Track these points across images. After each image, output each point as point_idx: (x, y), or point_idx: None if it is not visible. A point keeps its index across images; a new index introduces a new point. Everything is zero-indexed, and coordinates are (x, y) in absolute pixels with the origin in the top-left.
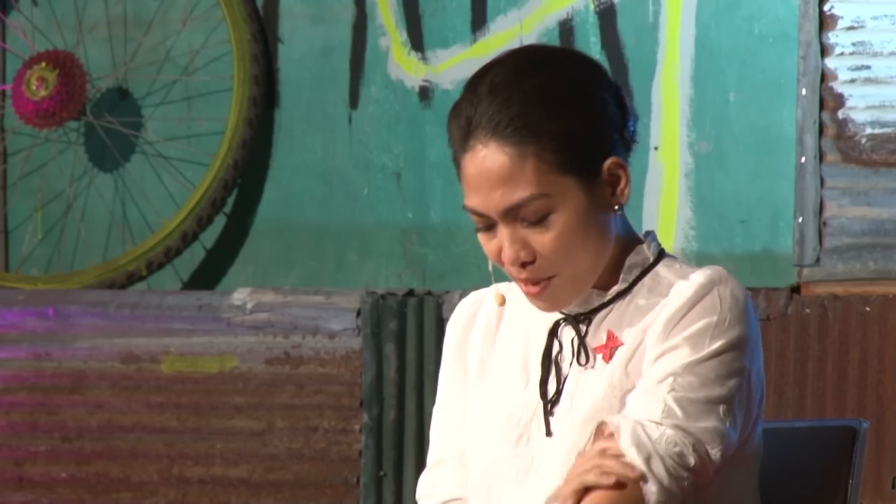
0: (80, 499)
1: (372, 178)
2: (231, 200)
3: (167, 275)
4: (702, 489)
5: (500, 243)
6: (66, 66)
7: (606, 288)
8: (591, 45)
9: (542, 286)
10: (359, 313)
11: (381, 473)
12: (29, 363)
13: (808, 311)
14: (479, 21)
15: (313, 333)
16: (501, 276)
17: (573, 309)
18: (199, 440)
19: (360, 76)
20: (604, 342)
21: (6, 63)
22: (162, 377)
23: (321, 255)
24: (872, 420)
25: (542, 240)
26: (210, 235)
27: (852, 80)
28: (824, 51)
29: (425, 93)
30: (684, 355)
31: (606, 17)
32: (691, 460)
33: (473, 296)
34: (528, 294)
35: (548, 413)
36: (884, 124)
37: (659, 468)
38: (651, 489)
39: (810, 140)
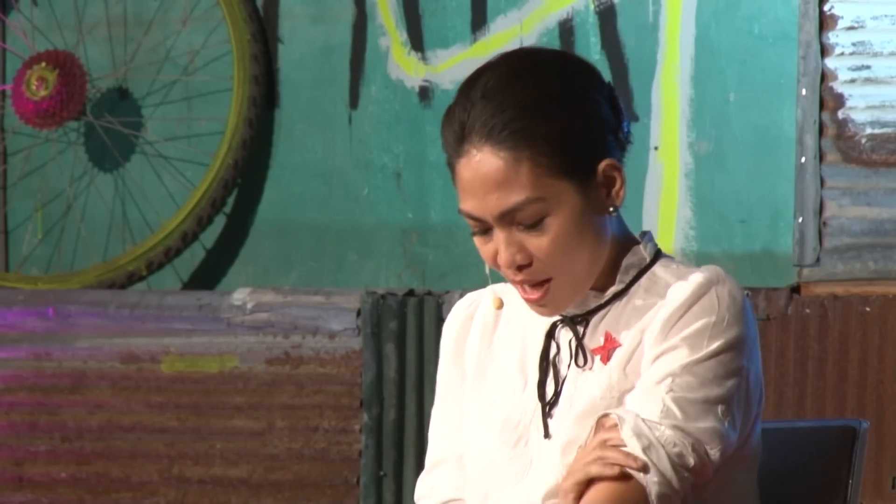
0: (80, 499)
1: (372, 178)
2: (231, 200)
3: (167, 275)
4: (701, 489)
5: (495, 247)
6: (66, 66)
7: (603, 289)
8: (591, 45)
9: (540, 292)
10: (359, 313)
11: (381, 473)
12: (29, 363)
13: (808, 311)
14: (479, 21)
15: (313, 333)
16: (499, 278)
17: (570, 311)
18: (199, 440)
19: (360, 76)
20: (601, 343)
21: (6, 63)
22: (162, 377)
23: (321, 255)
24: (872, 420)
25: (538, 243)
26: (210, 235)
27: (852, 80)
28: (824, 51)
29: (425, 93)
30: (682, 356)
31: (606, 17)
32: (691, 460)
33: (470, 297)
34: (527, 300)
35: (546, 415)
36: (884, 124)
37: (661, 459)
38: (652, 479)
39: (810, 140)
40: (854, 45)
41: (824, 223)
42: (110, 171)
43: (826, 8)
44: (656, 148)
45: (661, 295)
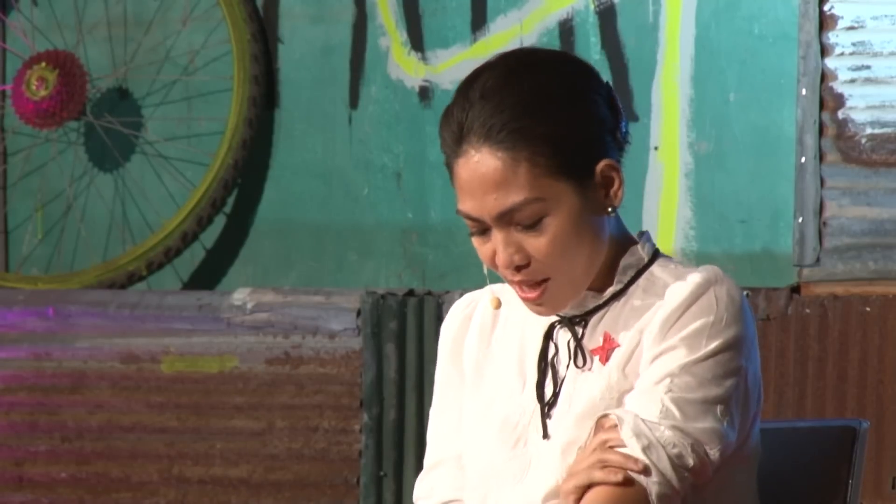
0: (80, 499)
1: (372, 178)
2: (231, 200)
3: (167, 275)
4: (701, 489)
5: (494, 247)
6: (66, 66)
7: (601, 290)
8: (591, 45)
9: (538, 292)
10: (359, 313)
11: (381, 473)
12: (29, 363)
13: (808, 311)
14: (479, 21)
15: (313, 333)
16: (497, 278)
17: (568, 311)
18: (199, 440)
19: (360, 76)
20: (600, 344)
21: (6, 63)
22: (162, 377)
23: (321, 255)
24: (872, 420)
25: (536, 243)
26: (210, 235)
27: (852, 80)
28: (824, 51)
29: (425, 93)
30: (681, 356)
31: (606, 17)
32: (690, 461)
33: (468, 297)
34: (524, 299)
35: (545, 416)
36: (884, 124)
37: (661, 459)
38: (653, 480)
39: (810, 140)
40: (854, 45)
41: (824, 223)
42: (110, 171)
43: (826, 8)
44: (656, 148)
45: (660, 295)
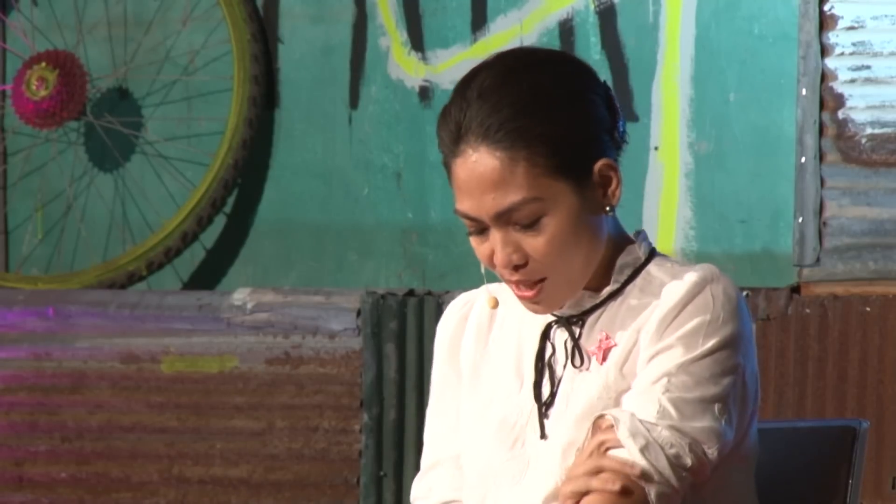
0: (80, 499)
1: (372, 178)
2: (231, 200)
3: (167, 275)
4: (699, 488)
5: (491, 247)
6: (66, 66)
7: (598, 289)
8: (591, 45)
9: (535, 290)
10: (359, 313)
11: (381, 473)
12: (29, 363)
13: (808, 311)
14: (479, 21)
15: (313, 333)
16: (494, 278)
17: (565, 311)
18: (199, 440)
19: (360, 76)
20: (597, 343)
21: (6, 63)
22: (162, 377)
23: (321, 255)
24: (872, 420)
25: (534, 243)
26: (210, 235)
27: (852, 80)
28: (824, 51)
29: (425, 93)
30: (678, 355)
31: (606, 17)
32: (688, 461)
33: (464, 297)
34: (521, 298)
35: (542, 416)
36: (884, 124)
37: (658, 459)
38: (652, 483)
39: (810, 140)
40: (854, 45)
41: (824, 223)
42: (110, 171)
43: (826, 8)
44: (656, 148)
45: (656, 294)
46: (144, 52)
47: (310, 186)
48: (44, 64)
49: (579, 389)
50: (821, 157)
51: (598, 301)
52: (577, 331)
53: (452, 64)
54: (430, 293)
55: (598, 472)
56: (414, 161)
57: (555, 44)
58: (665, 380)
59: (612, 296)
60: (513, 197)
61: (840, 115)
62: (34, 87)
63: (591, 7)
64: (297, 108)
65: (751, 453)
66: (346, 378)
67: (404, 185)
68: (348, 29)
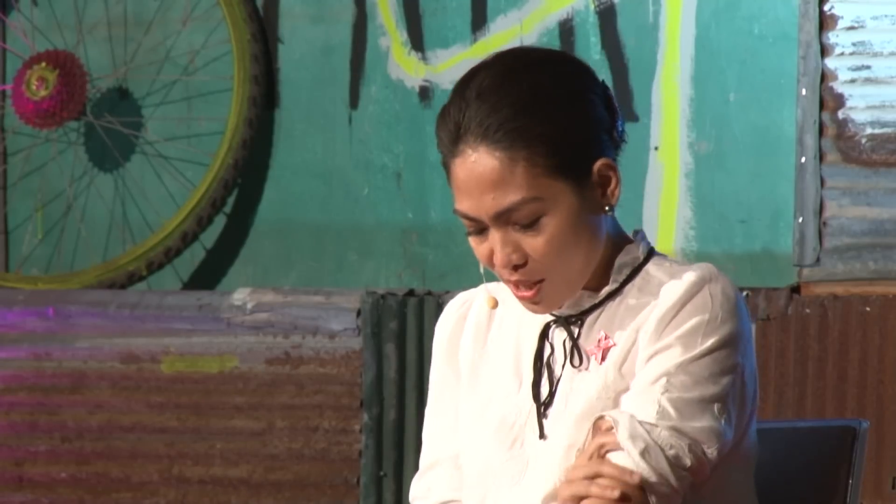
0: (80, 499)
1: (372, 178)
2: (231, 200)
3: (167, 275)
4: (698, 487)
5: (491, 246)
6: (66, 66)
7: (597, 289)
8: (591, 45)
9: (534, 290)
10: (359, 313)
11: (381, 473)
12: (29, 363)
13: (808, 311)
14: (479, 21)
15: (313, 333)
16: (493, 278)
17: (564, 311)
18: (199, 440)
19: (360, 76)
20: (596, 343)
21: (6, 63)
22: (162, 377)
23: (321, 255)
24: (872, 420)
25: (533, 243)
26: (210, 235)
27: (852, 80)
28: (824, 51)
29: (425, 93)
30: (677, 354)
31: (606, 17)
32: (687, 461)
33: (462, 296)
34: (520, 298)
35: (541, 416)
36: (884, 124)
37: (659, 461)
38: (650, 489)
39: (810, 140)
40: (854, 45)
41: (824, 223)
42: (110, 171)
43: (826, 8)
44: (656, 148)
45: (655, 294)
46: (144, 52)
47: (310, 186)
48: (44, 64)
49: (578, 389)
50: (821, 157)
51: (596, 301)
52: (575, 331)
53: (452, 64)
54: (430, 293)
55: (597, 476)
56: (414, 161)
57: (555, 44)
58: (664, 380)
59: (611, 295)
60: (512, 197)
61: (840, 115)
62: (34, 87)
63: (591, 7)
64: (297, 108)
65: (750, 453)
66: (346, 378)
67: (404, 185)
68: (348, 29)
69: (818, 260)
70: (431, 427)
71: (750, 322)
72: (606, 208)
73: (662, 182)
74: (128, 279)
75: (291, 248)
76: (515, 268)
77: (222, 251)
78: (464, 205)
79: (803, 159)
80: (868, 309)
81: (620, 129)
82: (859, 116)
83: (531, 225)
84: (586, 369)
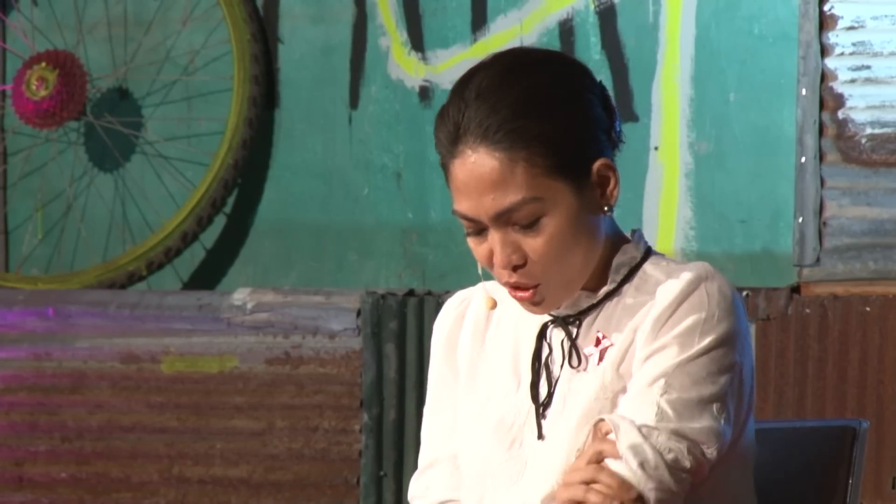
0: (80, 499)
1: (372, 178)
2: (231, 200)
3: (167, 275)
4: (696, 487)
5: (490, 247)
6: (66, 66)
7: (595, 289)
8: (591, 45)
9: (532, 291)
10: (359, 313)
11: (381, 473)
12: (29, 363)
13: (808, 311)
14: (479, 21)
15: (313, 333)
16: (491, 278)
17: (562, 311)
18: (199, 440)
19: (361, 76)
20: (594, 343)
21: (6, 63)
22: (162, 377)
23: (321, 255)
24: (872, 420)
25: (533, 243)
26: (210, 235)
27: (852, 80)
28: (824, 51)
29: (425, 93)
30: (674, 354)
31: (606, 17)
32: (687, 463)
33: (460, 295)
34: (518, 299)
35: (540, 416)
36: (884, 124)
37: (658, 468)
38: (649, 486)
39: (810, 140)
40: (854, 45)
41: (824, 223)
42: (110, 171)
43: (826, 8)
44: (656, 148)
45: (652, 293)
46: (144, 52)
47: (310, 186)
48: (44, 64)
49: (576, 390)
50: (821, 157)
51: (595, 301)
52: (573, 331)
53: (452, 64)
54: (430, 293)
55: (593, 482)
56: (414, 161)
57: (555, 44)
58: (662, 381)
59: (609, 295)
60: (512, 197)
61: (840, 115)
62: (34, 87)
63: (591, 7)
64: (297, 108)
65: (748, 451)
66: (346, 378)
67: (404, 185)
68: (348, 29)
69: (818, 260)
70: (430, 426)
71: (747, 320)
72: (605, 208)
73: (662, 182)
74: (128, 279)
75: (291, 248)
76: (515, 268)
77: (222, 251)
78: (463, 205)
79: (803, 159)
80: (868, 309)
81: (618, 129)
82: (859, 116)
83: (531, 225)
84: (584, 370)
